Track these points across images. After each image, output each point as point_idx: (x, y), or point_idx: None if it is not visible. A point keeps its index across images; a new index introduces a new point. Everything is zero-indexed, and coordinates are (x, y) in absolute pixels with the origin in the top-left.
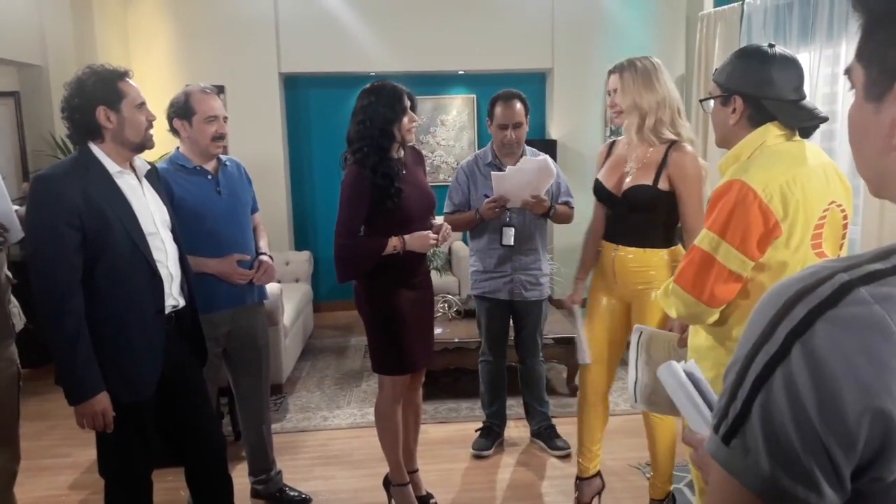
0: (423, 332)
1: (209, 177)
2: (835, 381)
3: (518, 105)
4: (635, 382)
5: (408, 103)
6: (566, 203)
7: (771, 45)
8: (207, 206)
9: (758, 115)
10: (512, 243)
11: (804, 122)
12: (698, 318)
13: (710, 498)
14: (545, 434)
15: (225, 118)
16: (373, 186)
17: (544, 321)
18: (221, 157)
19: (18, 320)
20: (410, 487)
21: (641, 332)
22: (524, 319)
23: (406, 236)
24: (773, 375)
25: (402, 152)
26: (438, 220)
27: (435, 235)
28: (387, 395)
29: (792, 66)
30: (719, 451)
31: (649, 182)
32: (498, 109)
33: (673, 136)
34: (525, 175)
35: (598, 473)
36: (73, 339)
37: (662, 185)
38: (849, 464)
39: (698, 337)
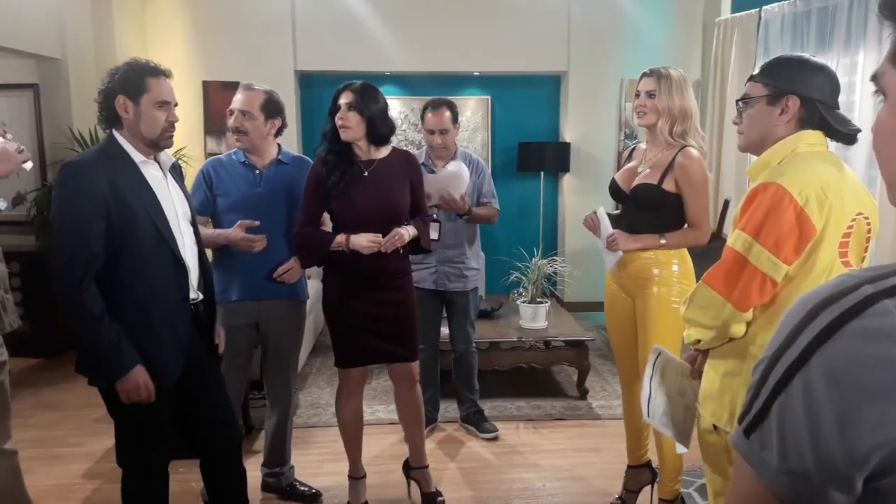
0: (372, 332)
1: (256, 171)
2: (851, 397)
3: (446, 113)
4: (648, 399)
5: (342, 101)
6: (488, 204)
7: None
8: (246, 199)
9: (809, 117)
10: (437, 237)
11: (848, 127)
12: (724, 329)
13: (733, 482)
14: (474, 419)
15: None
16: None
17: (475, 312)
18: (282, 154)
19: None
20: (364, 482)
21: (659, 353)
22: (452, 308)
23: (352, 235)
24: (792, 381)
25: (382, 153)
26: (410, 229)
27: (379, 240)
28: (339, 387)
29: (836, 78)
30: (740, 441)
31: (655, 182)
32: (427, 116)
33: (692, 143)
34: (441, 179)
35: (648, 464)
36: (98, 317)
37: (667, 185)
38: (860, 475)
39: (707, 378)
